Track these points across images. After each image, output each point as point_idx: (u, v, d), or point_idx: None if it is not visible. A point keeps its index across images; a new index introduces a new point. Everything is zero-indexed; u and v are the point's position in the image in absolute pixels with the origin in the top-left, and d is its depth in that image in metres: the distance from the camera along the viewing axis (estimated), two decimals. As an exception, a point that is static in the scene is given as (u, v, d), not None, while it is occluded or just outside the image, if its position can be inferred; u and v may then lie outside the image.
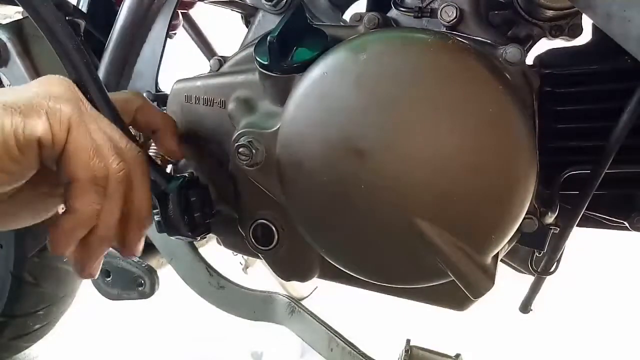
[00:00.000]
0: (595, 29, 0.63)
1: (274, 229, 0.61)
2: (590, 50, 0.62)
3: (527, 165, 0.49)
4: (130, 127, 0.56)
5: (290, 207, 0.56)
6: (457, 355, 0.66)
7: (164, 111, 0.64)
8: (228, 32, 1.09)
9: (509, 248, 0.57)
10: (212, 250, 0.79)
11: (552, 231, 0.57)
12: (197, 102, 0.62)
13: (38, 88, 0.46)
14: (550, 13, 0.60)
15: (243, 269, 1.26)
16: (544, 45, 0.64)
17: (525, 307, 0.70)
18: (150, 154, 0.62)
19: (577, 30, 0.63)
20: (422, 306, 0.62)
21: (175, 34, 0.99)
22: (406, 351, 0.68)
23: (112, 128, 0.49)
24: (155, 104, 0.73)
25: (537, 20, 0.62)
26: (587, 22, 0.59)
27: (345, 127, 0.50)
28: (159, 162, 0.62)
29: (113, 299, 0.75)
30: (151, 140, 0.61)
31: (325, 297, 1.34)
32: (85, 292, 1.32)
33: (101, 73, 0.75)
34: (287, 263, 0.62)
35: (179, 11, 1.03)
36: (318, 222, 0.55)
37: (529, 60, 0.62)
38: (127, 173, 0.48)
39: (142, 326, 1.59)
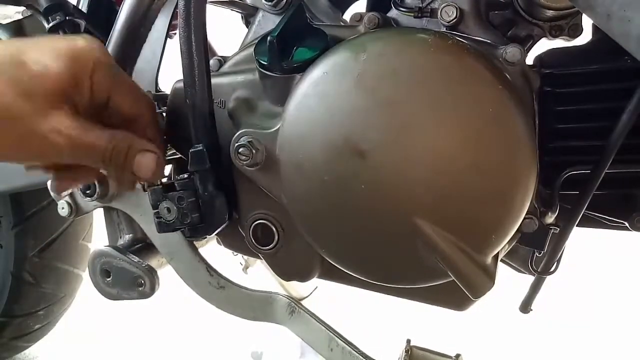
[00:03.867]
0: (595, 29, 0.63)
1: (274, 229, 0.61)
2: (590, 50, 0.62)
3: (527, 165, 0.49)
4: None
5: (290, 207, 0.56)
6: (457, 356, 0.66)
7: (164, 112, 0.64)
8: (228, 32, 1.09)
9: (509, 248, 0.57)
10: (212, 250, 0.79)
11: (552, 231, 0.57)
12: (197, 102, 0.62)
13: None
14: (550, 13, 0.60)
15: (243, 269, 1.26)
16: (544, 45, 0.64)
17: (525, 307, 0.70)
18: None
19: (577, 30, 0.63)
20: (422, 306, 0.62)
21: (175, 34, 0.99)
22: (406, 351, 0.68)
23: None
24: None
25: (537, 20, 0.62)
26: (587, 22, 0.59)
27: (345, 127, 0.50)
28: None
29: (113, 299, 0.74)
30: None
31: (325, 297, 1.34)
32: (85, 292, 1.32)
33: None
34: (287, 263, 0.62)
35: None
36: (318, 222, 0.55)
37: (529, 60, 0.62)
38: None
39: (142, 326, 1.60)
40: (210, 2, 0.89)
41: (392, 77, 0.49)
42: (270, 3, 0.63)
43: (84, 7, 0.88)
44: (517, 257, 0.66)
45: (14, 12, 0.92)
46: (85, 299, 1.37)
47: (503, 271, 0.61)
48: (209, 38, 0.61)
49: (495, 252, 0.51)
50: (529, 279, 0.69)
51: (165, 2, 0.72)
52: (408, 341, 0.69)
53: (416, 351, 0.68)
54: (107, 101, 0.56)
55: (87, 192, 0.71)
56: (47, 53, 0.52)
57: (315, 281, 0.65)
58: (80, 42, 0.54)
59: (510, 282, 0.75)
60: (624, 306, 1.60)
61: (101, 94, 0.55)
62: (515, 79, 0.52)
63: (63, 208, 0.75)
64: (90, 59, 0.53)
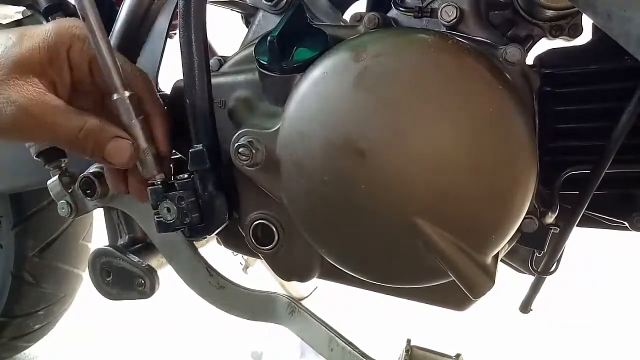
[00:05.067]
0: (595, 29, 0.63)
1: (274, 229, 0.61)
2: (590, 50, 0.62)
3: (527, 165, 0.49)
4: None
5: (290, 207, 0.56)
6: (458, 355, 0.66)
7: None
8: (228, 32, 1.09)
9: (509, 248, 0.57)
10: (212, 250, 0.79)
11: (552, 231, 0.57)
12: (197, 102, 0.62)
13: None
14: (550, 13, 0.60)
15: (243, 269, 1.26)
16: (544, 45, 0.64)
17: (525, 307, 0.70)
18: None
19: (577, 30, 0.62)
20: (422, 306, 0.62)
21: (175, 33, 0.99)
22: (407, 351, 0.68)
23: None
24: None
25: (537, 20, 0.62)
26: (587, 22, 0.59)
27: (345, 127, 0.50)
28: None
29: (113, 299, 0.74)
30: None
31: (326, 297, 1.34)
32: (85, 292, 1.32)
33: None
34: (287, 263, 0.62)
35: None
36: (318, 222, 0.55)
37: (529, 60, 0.62)
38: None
39: (142, 326, 1.59)
40: (210, 2, 0.89)
41: (391, 77, 0.49)
42: (270, 3, 0.63)
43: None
44: (517, 257, 0.66)
45: (14, 12, 0.92)
46: (85, 299, 1.37)
47: (503, 271, 0.61)
48: (209, 38, 0.61)
49: (495, 252, 0.51)
50: (529, 279, 0.69)
51: (165, 2, 0.72)
52: (408, 341, 0.69)
53: (416, 351, 0.68)
54: (91, 79, 0.56)
55: (87, 192, 0.71)
56: (30, 30, 0.53)
57: (315, 281, 0.64)
58: (62, 21, 0.55)
59: (510, 282, 0.75)
60: (624, 306, 1.60)
61: (81, 70, 0.55)
62: (515, 79, 0.51)
63: (63, 208, 0.75)
64: (67, 35, 0.53)
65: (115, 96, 0.55)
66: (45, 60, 0.52)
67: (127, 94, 0.55)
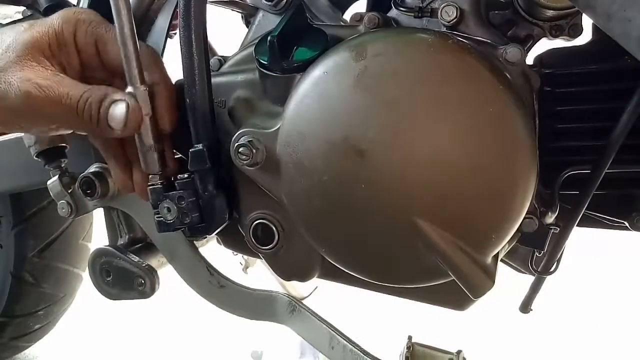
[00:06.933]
0: (595, 29, 0.63)
1: (274, 228, 0.61)
2: (590, 50, 0.62)
3: (527, 165, 0.49)
4: None
5: (290, 207, 0.56)
6: (459, 352, 0.66)
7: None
8: (228, 32, 1.09)
9: (509, 248, 0.57)
10: (212, 250, 0.79)
11: (552, 231, 0.57)
12: (197, 102, 0.62)
13: None
14: (550, 13, 0.60)
15: (243, 269, 1.26)
16: (544, 45, 0.64)
17: (525, 307, 0.70)
18: None
19: (577, 30, 0.63)
20: (423, 306, 0.62)
21: (175, 33, 0.99)
22: (408, 348, 0.68)
23: None
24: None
25: (537, 20, 0.62)
26: (587, 22, 0.59)
27: (345, 127, 0.50)
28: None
29: (113, 299, 0.75)
30: None
31: (326, 295, 1.34)
32: (85, 292, 1.32)
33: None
34: (287, 263, 0.62)
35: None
36: (318, 221, 0.55)
37: (529, 60, 0.62)
38: None
39: (142, 326, 1.60)
40: (210, 2, 0.89)
41: (392, 77, 0.49)
42: (270, 3, 0.63)
43: (84, 7, 0.88)
44: (517, 257, 0.66)
45: (14, 12, 0.93)
46: (85, 299, 1.37)
47: (503, 271, 0.61)
48: (209, 38, 0.61)
49: (496, 251, 0.51)
50: (529, 278, 0.69)
51: (165, 2, 0.72)
52: (409, 338, 0.69)
53: (417, 348, 0.68)
54: (99, 60, 0.58)
55: (87, 192, 0.71)
56: (40, 20, 0.56)
57: (315, 281, 0.65)
58: (68, 9, 0.58)
59: (510, 282, 0.75)
60: (623, 306, 1.60)
61: (88, 52, 0.57)
62: (515, 79, 0.52)
63: (63, 208, 0.75)
64: (72, 20, 0.56)
65: (130, 88, 0.55)
66: (54, 44, 0.55)
67: (143, 87, 0.55)
